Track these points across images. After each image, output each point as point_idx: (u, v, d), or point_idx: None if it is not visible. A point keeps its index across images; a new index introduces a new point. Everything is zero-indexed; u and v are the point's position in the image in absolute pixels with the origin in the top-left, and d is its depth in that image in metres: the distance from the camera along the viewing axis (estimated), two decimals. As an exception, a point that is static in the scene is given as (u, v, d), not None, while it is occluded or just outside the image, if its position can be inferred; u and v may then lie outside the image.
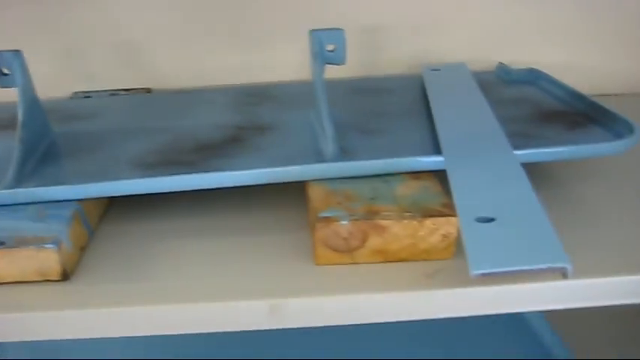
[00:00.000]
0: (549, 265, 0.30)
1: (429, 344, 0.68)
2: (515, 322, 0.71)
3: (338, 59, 0.50)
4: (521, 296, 0.40)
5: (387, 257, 0.42)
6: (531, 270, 0.30)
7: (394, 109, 0.58)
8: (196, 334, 0.40)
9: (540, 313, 0.70)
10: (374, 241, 0.41)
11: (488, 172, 0.41)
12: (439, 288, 0.40)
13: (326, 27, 0.51)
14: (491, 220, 0.34)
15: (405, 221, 0.40)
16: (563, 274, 0.30)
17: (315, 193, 0.44)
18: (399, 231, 0.41)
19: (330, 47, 0.49)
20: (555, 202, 0.49)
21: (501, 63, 0.70)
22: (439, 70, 0.66)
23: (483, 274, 0.30)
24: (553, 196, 0.49)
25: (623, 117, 0.51)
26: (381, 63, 0.73)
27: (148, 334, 0.41)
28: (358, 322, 0.41)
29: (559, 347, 0.67)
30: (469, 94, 0.56)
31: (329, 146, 0.48)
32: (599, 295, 0.41)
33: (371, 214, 0.41)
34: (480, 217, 0.34)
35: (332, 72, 0.62)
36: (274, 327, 0.41)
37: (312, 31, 0.49)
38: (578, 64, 0.75)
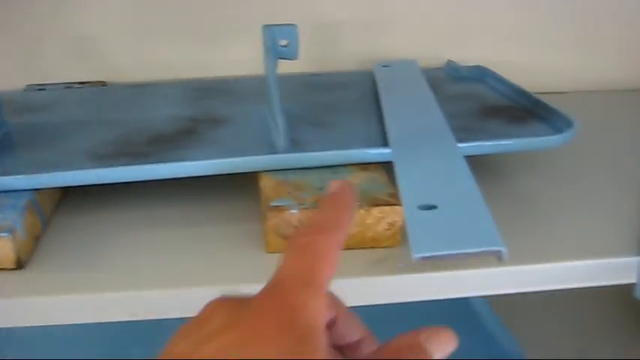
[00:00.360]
0: (485, 248, 0.32)
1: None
2: (463, 314, 0.72)
3: (291, 54, 0.51)
4: (464, 282, 0.42)
5: (336, 245, 0.43)
6: (469, 253, 0.32)
7: (345, 104, 0.60)
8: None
9: (488, 307, 0.72)
10: (323, 230, 0.42)
11: (432, 163, 0.43)
12: (386, 274, 0.42)
13: (280, 22, 0.52)
14: (434, 207, 0.36)
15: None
16: (499, 258, 0.32)
17: (266, 183, 0.45)
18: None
19: (283, 42, 0.51)
20: (499, 194, 0.51)
21: (450, 60, 0.72)
22: (389, 66, 0.67)
23: (424, 258, 0.31)
24: (497, 188, 0.51)
25: (563, 112, 0.53)
26: (335, 59, 0.74)
27: (102, 321, 0.41)
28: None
29: (506, 337, 0.69)
30: (417, 90, 0.58)
31: (280, 138, 0.49)
32: (539, 281, 0.43)
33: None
34: (423, 205, 0.36)
35: (287, 67, 0.64)
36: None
37: (265, 27, 0.50)
38: (525, 62, 0.77)
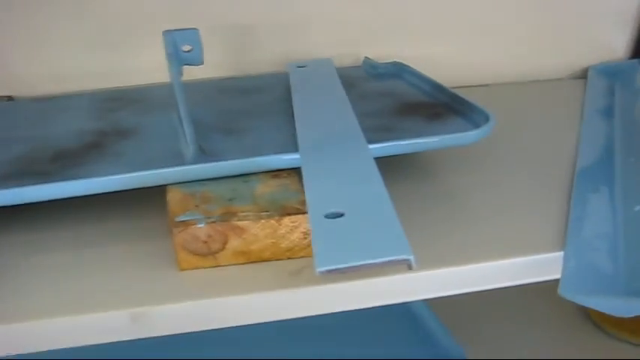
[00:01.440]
0: (393, 257, 0.30)
1: (319, 341, 0.67)
2: (401, 313, 0.71)
3: (195, 60, 0.49)
4: (388, 288, 0.41)
5: (251, 258, 0.41)
6: (376, 263, 0.30)
7: (260, 108, 0.58)
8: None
9: (428, 309, 0.71)
10: (234, 243, 0.41)
11: (341, 167, 0.41)
12: (304, 286, 0.40)
13: (191, 26, 0.50)
14: (341, 215, 0.34)
15: (263, 221, 0.40)
16: (408, 266, 0.31)
17: (173, 196, 0.43)
18: (258, 231, 0.40)
19: (185, 48, 0.48)
20: (423, 192, 0.50)
21: (367, 57, 0.71)
22: (305, 66, 0.66)
23: (329, 271, 0.30)
24: (422, 187, 0.51)
25: (480, 107, 0.52)
26: (252, 62, 0.72)
27: (7, 354, 0.39)
28: (225, 326, 0.40)
29: (445, 336, 0.68)
30: (330, 90, 0.56)
31: (188, 148, 0.47)
32: (464, 282, 0.42)
33: (228, 216, 0.40)
34: (330, 213, 0.34)
35: (200, 72, 0.62)
36: (139, 336, 0.40)
37: (165, 32, 0.48)
38: (446, 55, 0.77)
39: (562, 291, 0.39)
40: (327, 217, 0.34)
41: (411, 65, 0.66)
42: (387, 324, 0.69)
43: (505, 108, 0.70)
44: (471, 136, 0.48)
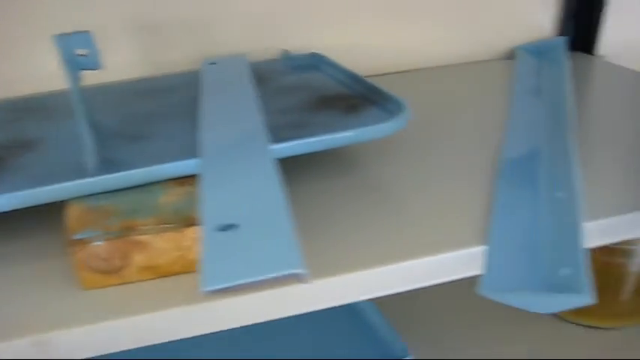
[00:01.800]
0: (282, 272, 0.28)
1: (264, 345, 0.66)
2: (348, 313, 0.70)
3: (92, 64, 0.46)
4: (303, 296, 0.39)
5: (160, 272, 0.39)
6: (266, 279, 0.28)
7: (170, 110, 0.55)
8: None
9: (373, 306, 0.69)
10: (138, 258, 0.38)
11: (240, 173, 0.39)
12: (216, 299, 0.38)
13: (97, 28, 0.47)
14: (234, 227, 0.32)
15: (165, 233, 0.38)
16: (300, 280, 0.29)
17: (72, 212, 0.41)
18: (161, 244, 0.38)
19: (81, 52, 0.46)
20: (349, 187, 0.49)
21: (284, 50, 0.69)
22: (216, 63, 0.63)
23: (215, 291, 0.28)
24: (348, 180, 0.49)
25: (395, 97, 0.51)
26: (168, 60, 0.69)
27: None
28: (135, 346, 0.38)
29: (392, 336, 0.66)
30: (239, 88, 0.54)
31: (88, 159, 0.44)
32: (386, 284, 0.41)
33: (127, 231, 0.38)
34: (222, 225, 0.32)
35: (113, 74, 0.59)
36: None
37: (57, 37, 0.45)
38: (369, 43, 0.75)
39: (481, 288, 0.38)
40: (220, 229, 0.32)
41: (337, 55, 0.64)
42: (331, 321, 0.67)
43: (432, 93, 0.69)
44: (384, 128, 0.47)
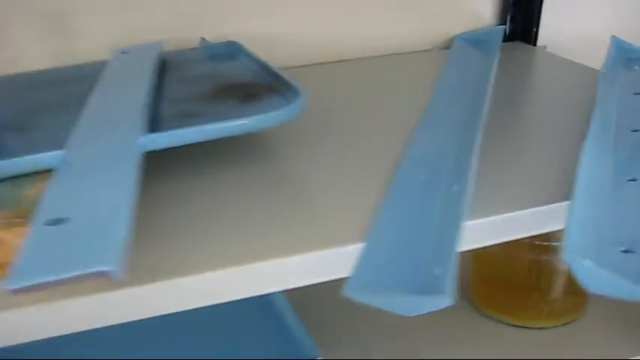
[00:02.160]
0: (91, 270, 0.26)
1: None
2: (261, 310, 0.67)
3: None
4: (180, 294, 0.37)
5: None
6: (74, 277, 0.26)
7: (66, 102, 0.53)
8: None
9: (286, 303, 0.67)
10: (-8, 254, 0.36)
11: (97, 166, 0.37)
12: (76, 297, 0.36)
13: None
14: (64, 221, 0.30)
15: (17, 228, 0.35)
16: (111, 277, 0.27)
17: None
18: (14, 240, 0.36)
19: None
20: (258, 179, 0.47)
21: (203, 38, 0.67)
22: (128, 52, 0.61)
23: (21, 289, 0.25)
24: (260, 171, 0.48)
25: (294, 85, 0.49)
26: (80, 50, 0.67)
27: None
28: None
29: (303, 336, 0.63)
30: (137, 78, 0.52)
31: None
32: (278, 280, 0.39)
33: (-22, 225, 0.36)
34: (53, 219, 0.30)
35: (20, 65, 0.57)
36: None
37: None
38: (300, 32, 0.73)
39: (346, 289, 0.35)
40: (49, 223, 0.30)
41: (271, 44, 0.62)
42: (242, 320, 0.65)
43: (361, 84, 0.67)
44: (273, 117, 0.44)
